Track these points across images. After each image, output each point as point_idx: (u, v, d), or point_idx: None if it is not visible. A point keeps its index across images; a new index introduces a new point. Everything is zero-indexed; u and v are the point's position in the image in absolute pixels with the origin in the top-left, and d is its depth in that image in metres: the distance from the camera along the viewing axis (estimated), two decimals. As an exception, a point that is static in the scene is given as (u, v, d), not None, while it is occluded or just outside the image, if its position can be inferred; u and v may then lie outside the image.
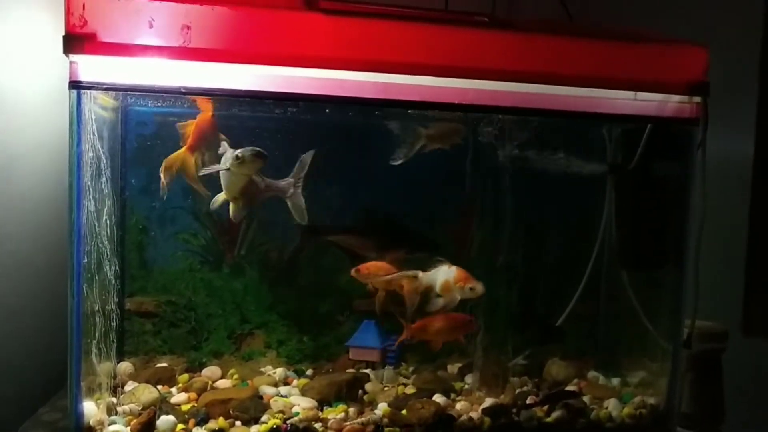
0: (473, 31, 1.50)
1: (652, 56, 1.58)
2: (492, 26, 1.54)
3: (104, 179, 1.42)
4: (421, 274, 1.60)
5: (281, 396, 1.61)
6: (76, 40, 1.29)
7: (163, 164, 1.58)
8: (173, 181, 1.60)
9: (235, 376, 1.72)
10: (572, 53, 1.54)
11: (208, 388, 1.64)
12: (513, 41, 1.52)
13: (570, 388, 1.75)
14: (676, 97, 1.59)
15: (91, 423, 1.38)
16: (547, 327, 1.89)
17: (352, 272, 1.65)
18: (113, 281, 1.48)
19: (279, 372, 1.74)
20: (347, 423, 1.50)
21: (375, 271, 1.64)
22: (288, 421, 1.48)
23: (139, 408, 1.48)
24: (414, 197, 1.82)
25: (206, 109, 1.59)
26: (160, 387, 1.60)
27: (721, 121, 1.64)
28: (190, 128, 1.59)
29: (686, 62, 1.59)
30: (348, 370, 1.75)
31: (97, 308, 1.43)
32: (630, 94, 1.56)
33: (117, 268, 1.50)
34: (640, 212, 1.84)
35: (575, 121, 1.64)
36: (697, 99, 1.58)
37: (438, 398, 1.64)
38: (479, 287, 1.55)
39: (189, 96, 1.49)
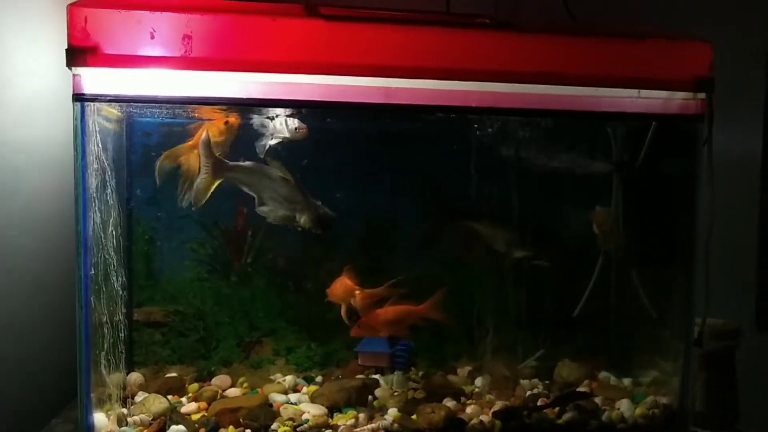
0: (475, 33, 1.50)
1: (656, 53, 1.57)
2: (494, 27, 1.54)
3: (109, 190, 1.42)
4: None
5: (291, 403, 1.61)
6: (78, 53, 1.30)
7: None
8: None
9: (245, 385, 1.72)
10: (575, 53, 1.53)
11: (218, 396, 1.64)
12: (516, 42, 1.51)
13: (581, 389, 1.74)
14: (680, 94, 1.58)
15: (102, 434, 1.39)
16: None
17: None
18: (121, 292, 1.48)
19: (288, 379, 1.74)
20: (357, 429, 1.50)
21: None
22: (298, 429, 1.48)
23: (150, 418, 1.48)
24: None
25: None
26: (170, 397, 1.60)
27: (728, 117, 1.63)
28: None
29: (690, 59, 1.58)
30: (358, 376, 1.74)
31: (105, 319, 1.43)
32: (634, 92, 1.55)
33: (124, 278, 1.51)
34: (648, 210, 1.83)
35: (580, 120, 1.63)
36: (702, 95, 1.57)
37: (448, 402, 1.63)
38: None
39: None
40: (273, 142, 1.59)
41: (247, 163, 1.61)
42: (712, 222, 1.55)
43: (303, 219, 1.61)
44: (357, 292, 1.64)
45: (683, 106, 1.58)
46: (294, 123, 1.56)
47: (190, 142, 1.60)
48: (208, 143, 1.56)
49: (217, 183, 1.59)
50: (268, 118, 1.57)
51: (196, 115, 1.58)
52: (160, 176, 1.60)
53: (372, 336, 1.70)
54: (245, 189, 1.62)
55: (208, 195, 1.59)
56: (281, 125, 1.57)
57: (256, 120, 1.59)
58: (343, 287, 1.65)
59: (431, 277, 1.82)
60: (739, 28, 2.00)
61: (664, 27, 1.69)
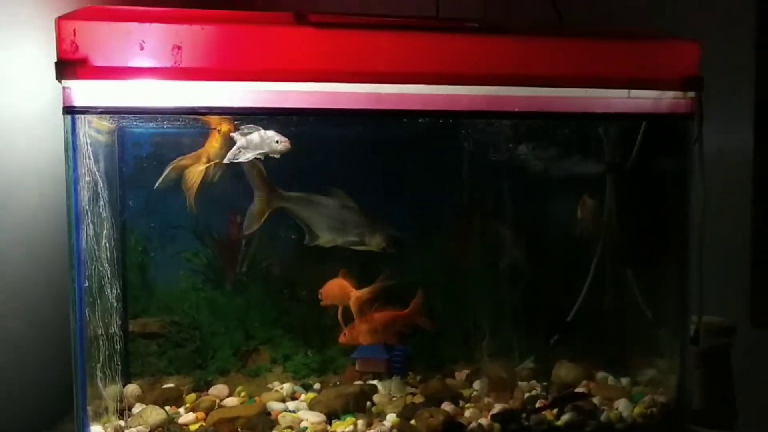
0: (465, 37, 1.51)
1: (645, 54, 1.58)
2: (483, 31, 1.54)
3: (102, 202, 1.42)
4: None
5: (289, 411, 1.60)
6: (68, 66, 1.30)
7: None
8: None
9: (243, 394, 1.71)
10: (565, 54, 1.54)
11: (216, 406, 1.64)
12: (505, 45, 1.52)
13: (579, 389, 1.74)
14: (670, 93, 1.59)
15: (99, 447, 1.39)
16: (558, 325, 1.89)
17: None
18: (115, 304, 1.48)
19: (286, 387, 1.74)
20: (356, 435, 1.49)
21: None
22: (297, 437, 1.48)
23: (147, 430, 1.47)
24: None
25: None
26: (167, 408, 1.59)
27: (719, 115, 1.64)
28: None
29: (679, 58, 1.59)
30: (355, 382, 1.74)
31: (100, 332, 1.43)
32: (624, 92, 1.56)
33: (119, 290, 1.51)
34: (641, 209, 1.83)
35: (570, 122, 1.64)
36: (692, 94, 1.58)
37: (447, 406, 1.63)
38: None
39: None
40: (252, 155, 1.53)
41: (302, 193, 1.62)
42: (704, 220, 1.56)
43: (374, 242, 1.61)
44: (352, 293, 1.64)
45: (673, 105, 1.59)
46: (275, 136, 1.52)
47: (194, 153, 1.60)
48: (260, 172, 1.57)
49: (269, 212, 1.61)
50: (247, 131, 1.52)
51: (189, 125, 1.58)
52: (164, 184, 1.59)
53: (360, 343, 1.69)
54: (297, 220, 1.62)
55: (261, 223, 1.61)
56: (261, 139, 1.52)
57: (235, 134, 1.54)
58: (339, 289, 1.66)
59: (426, 282, 1.82)
60: (727, 25, 2.01)
61: (652, 26, 1.70)
